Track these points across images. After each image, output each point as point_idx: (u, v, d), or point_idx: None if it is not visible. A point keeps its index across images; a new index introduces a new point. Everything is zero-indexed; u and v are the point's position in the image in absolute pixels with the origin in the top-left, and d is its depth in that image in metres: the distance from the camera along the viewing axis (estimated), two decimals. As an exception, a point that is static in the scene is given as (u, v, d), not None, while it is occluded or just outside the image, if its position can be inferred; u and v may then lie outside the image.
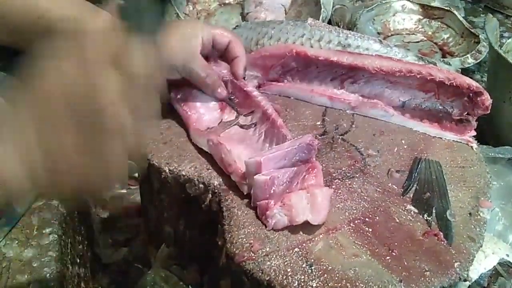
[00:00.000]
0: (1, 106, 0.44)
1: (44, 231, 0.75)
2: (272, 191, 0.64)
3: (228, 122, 0.80)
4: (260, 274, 0.59)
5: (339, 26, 1.35)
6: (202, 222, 0.76)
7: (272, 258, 0.60)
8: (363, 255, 0.62)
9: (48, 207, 0.79)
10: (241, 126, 0.79)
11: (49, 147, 0.43)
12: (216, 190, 0.71)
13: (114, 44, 0.43)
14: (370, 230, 0.65)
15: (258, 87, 0.89)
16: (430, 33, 1.47)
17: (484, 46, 1.28)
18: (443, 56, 1.38)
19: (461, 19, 1.42)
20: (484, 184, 0.74)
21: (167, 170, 0.73)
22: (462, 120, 0.82)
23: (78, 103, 0.42)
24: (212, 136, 0.73)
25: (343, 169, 0.74)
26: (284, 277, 0.58)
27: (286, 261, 0.60)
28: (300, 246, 0.62)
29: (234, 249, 0.62)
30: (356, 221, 0.66)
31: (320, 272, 0.59)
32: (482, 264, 0.80)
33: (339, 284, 0.58)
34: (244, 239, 0.63)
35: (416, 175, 0.74)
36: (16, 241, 0.73)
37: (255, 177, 0.64)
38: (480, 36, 1.33)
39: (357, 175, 0.73)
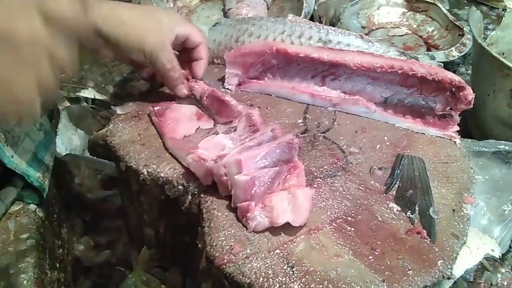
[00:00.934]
0: None
1: (21, 237, 0.74)
2: (253, 192, 0.63)
3: (206, 130, 0.79)
4: (240, 277, 0.58)
5: (322, 21, 1.35)
6: (183, 224, 0.74)
7: (253, 261, 0.59)
8: (345, 255, 0.61)
9: (26, 212, 0.77)
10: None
11: None
12: (196, 192, 0.69)
13: None
14: (353, 229, 0.64)
15: (239, 85, 0.88)
16: (414, 26, 1.47)
17: (469, 39, 1.28)
18: (428, 50, 1.37)
19: (446, 12, 1.42)
20: (467, 180, 0.73)
21: (145, 172, 0.72)
22: (445, 115, 0.81)
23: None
24: (192, 150, 0.69)
25: (325, 167, 0.73)
26: (265, 279, 0.57)
27: (267, 263, 0.59)
28: (281, 248, 0.61)
29: (214, 252, 0.60)
30: (338, 221, 0.65)
31: (301, 274, 0.58)
32: (468, 259, 0.80)
33: (321, 286, 0.57)
34: (224, 242, 0.61)
35: (398, 172, 0.73)
36: (-8, 248, 0.71)
37: (235, 177, 0.63)
38: (464, 28, 1.33)
39: (339, 174, 0.72)
